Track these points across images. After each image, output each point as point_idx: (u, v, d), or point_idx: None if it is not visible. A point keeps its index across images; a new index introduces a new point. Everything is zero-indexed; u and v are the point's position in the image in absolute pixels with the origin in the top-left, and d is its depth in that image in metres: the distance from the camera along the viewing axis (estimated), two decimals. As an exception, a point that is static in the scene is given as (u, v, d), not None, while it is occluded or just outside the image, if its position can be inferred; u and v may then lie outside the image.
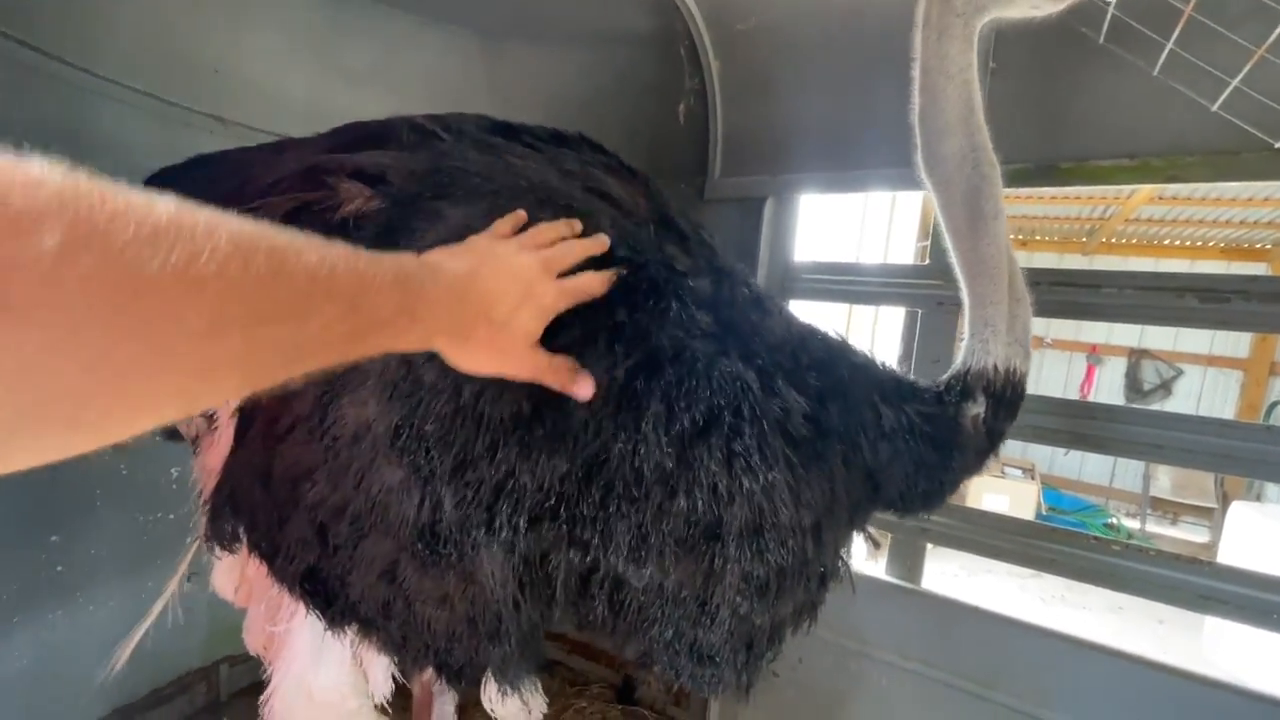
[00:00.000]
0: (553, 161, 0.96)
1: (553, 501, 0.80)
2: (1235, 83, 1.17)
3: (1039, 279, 1.55)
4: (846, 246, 4.40)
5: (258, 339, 0.44)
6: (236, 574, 1.07)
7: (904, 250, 4.97)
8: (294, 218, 0.88)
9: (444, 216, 0.84)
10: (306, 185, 0.91)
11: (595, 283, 0.81)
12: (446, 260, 0.70)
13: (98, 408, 0.36)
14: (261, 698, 1.02)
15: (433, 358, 0.73)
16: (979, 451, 1.06)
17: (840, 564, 1.01)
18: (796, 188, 1.87)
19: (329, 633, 0.91)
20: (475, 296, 0.69)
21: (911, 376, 1.10)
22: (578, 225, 0.85)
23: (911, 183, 1.78)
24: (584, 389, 0.78)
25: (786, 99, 1.86)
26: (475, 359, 0.72)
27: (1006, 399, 1.04)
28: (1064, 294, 1.54)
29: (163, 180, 1.27)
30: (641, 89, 2.06)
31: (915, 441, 1.00)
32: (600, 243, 0.84)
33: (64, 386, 0.34)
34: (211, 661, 2.08)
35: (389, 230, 0.84)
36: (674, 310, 0.86)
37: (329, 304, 0.49)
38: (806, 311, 1.83)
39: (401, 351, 0.69)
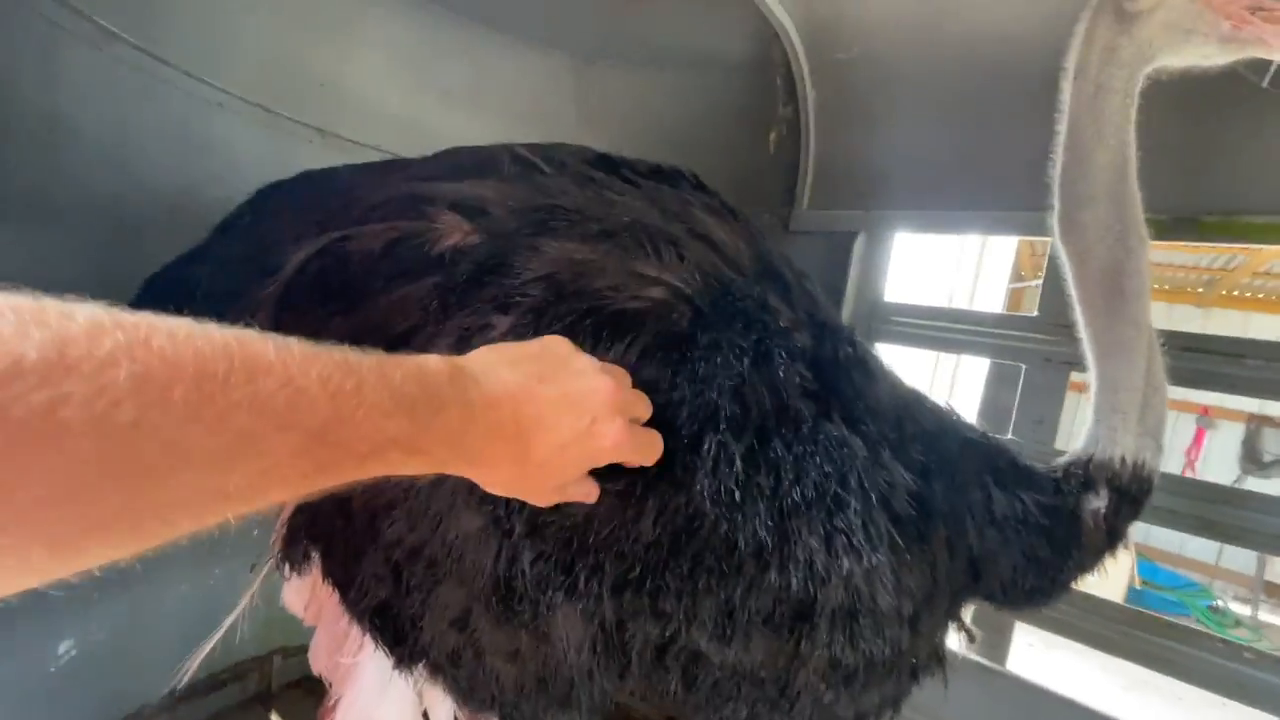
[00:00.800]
0: (653, 200, 0.93)
1: (637, 571, 0.75)
2: None
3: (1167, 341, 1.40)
4: (933, 288, 4.18)
5: (164, 494, 0.36)
6: (307, 593, 1.07)
7: (993, 294, 4.69)
8: (392, 248, 0.88)
9: (541, 252, 0.82)
10: (406, 213, 0.91)
11: (656, 446, 0.69)
12: (500, 365, 0.58)
13: None
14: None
15: None
16: (1096, 551, 0.96)
17: (933, 657, 0.93)
18: (889, 225, 1.76)
19: (396, 671, 0.89)
20: (514, 427, 0.56)
21: (1022, 451, 1.00)
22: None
23: (1011, 226, 1.69)
24: (590, 498, 0.69)
25: (883, 132, 1.77)
26: (495, 487, 0.62)
27: (1131, 495, 0.94)
28: (1194, 361, 1.36)
29: (272, 194, 1.32)
30: (732, 115, 2.01)
31: (1027, 533, 0.91)
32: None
33: None
34: (266, 652, 2.13)
35: (486, 267, 0.82)
36: (779, 370, 0.80)
37: (280, 438, 0.40)
38: (892, 356, 1.72)
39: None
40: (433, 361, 0.53)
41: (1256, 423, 6.85)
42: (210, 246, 1.22)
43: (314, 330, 0.87)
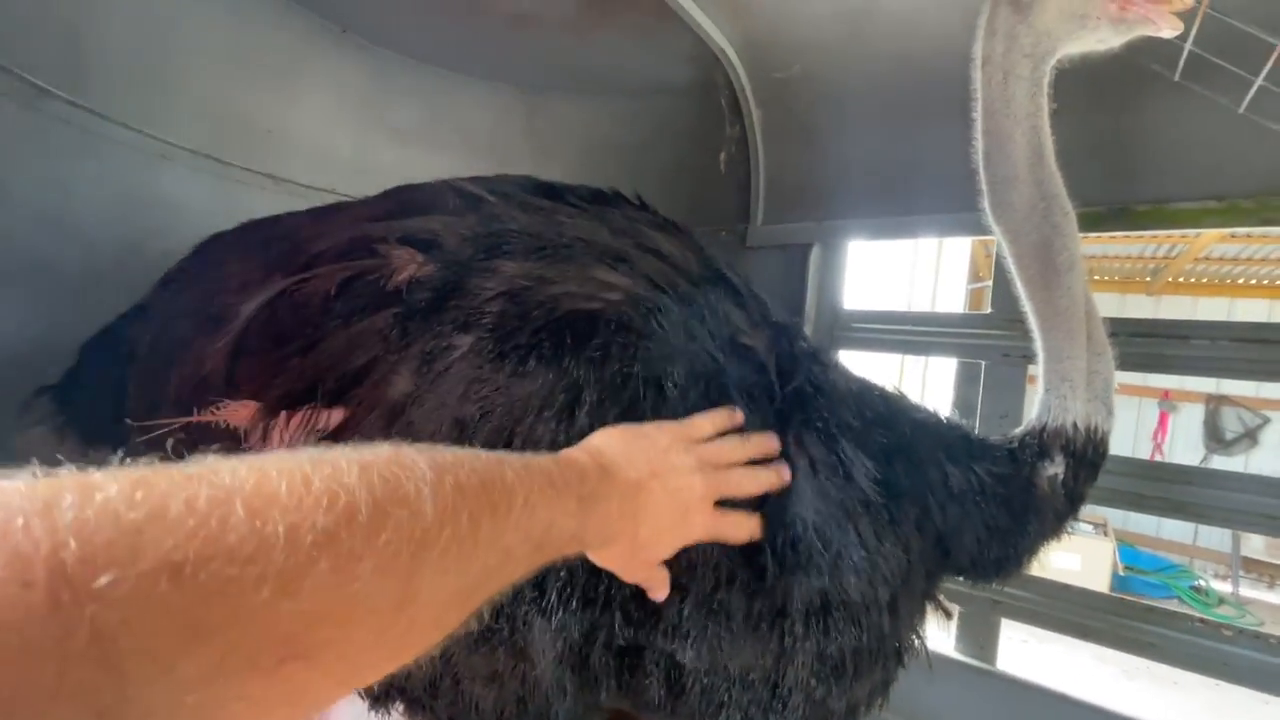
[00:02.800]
0: (601, 220, 0.95)
1: (605, 583, 0.76)
2: (1341, 116, 1.06)
3: (1116, 329, 1.44)
4: (894, 294, 4.27)
5: (466, 608, 0.43)
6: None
7: (953, 296, 4.80)
8: (347, 287, 0.89)
9: (498, 272, 0.83)
10: (356, 254, 0.92)
11: (746, 527, 0.77)
12: (620, 461, 0.65)
13: (336, 699, 0.37)
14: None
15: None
16: (1058, 515, 0.99)
17: (915, 639, 0.93)
18: (843, 234, 1.80)
19: (372, 714, 0.86)
20: (633, 513, 0.65)
21: (980, 433, 1.03)
22: (773, 445, 0.81)
23: (962, 228, 1.73)
24: (659, 598, 0.76)
25: (831, 144, 1.82)
26: (604, 560, 0.70)
27: (1087, 459, 0.97)
28: (1147, 345, 1.41)
29: (215, 244, 1.29)
30: (681, 137, 2.05)
31: (986, 503, 0.93)
32: (781, 478, 0.80)
33: (325, 698, 0.35)
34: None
35: (444, 292, 0.83)
36: (740, 375, 0.83)
37: (522, 547, 0.48)
38: (857, 362, 1.74)
39: None
40: (581, 458, 0.62)
41: (1215, 403, 7.07)
42: (151, 303, 1.19)
43: (270, 373, 0.86)
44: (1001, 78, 0.94)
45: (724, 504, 0.76)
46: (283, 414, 0.82)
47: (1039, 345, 1.00)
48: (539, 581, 0.75)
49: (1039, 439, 0.97)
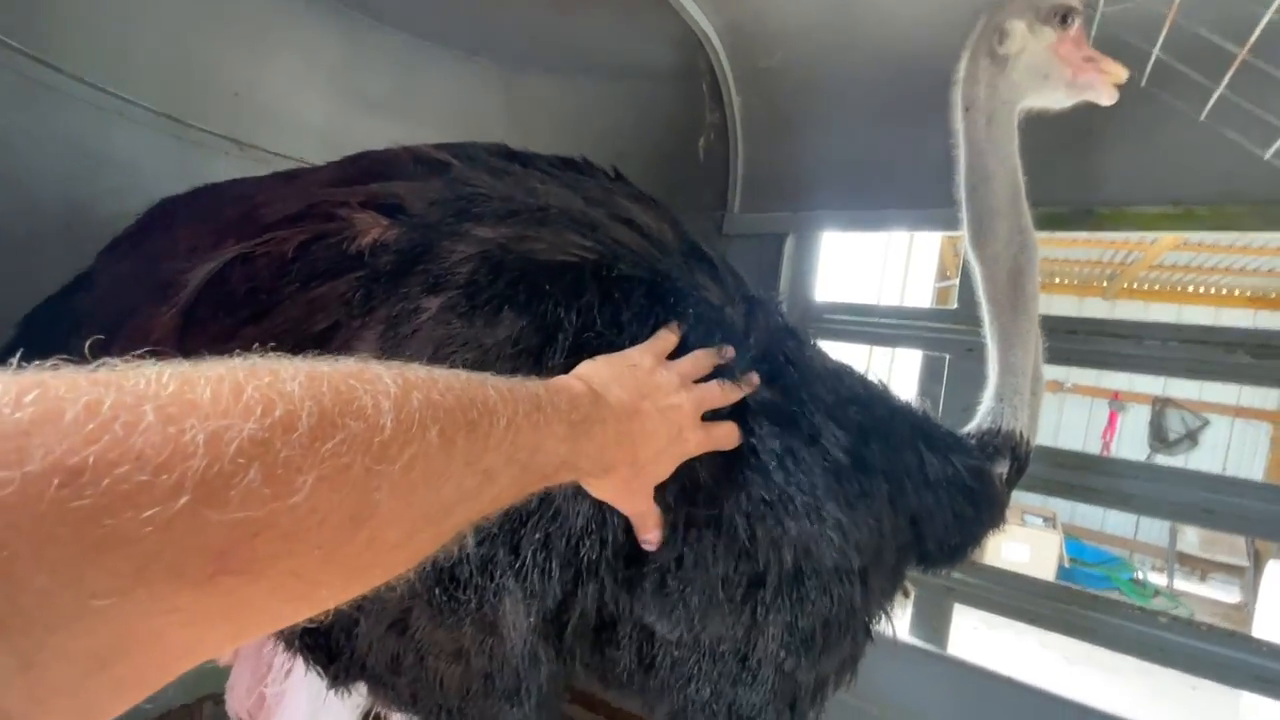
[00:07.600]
0: (574, 188, 0.93)
1: (587, 545, 0.75)
2: (1293, 129, 1.11)
3: (1076, 328, 1.50)
4: (863, 290, 4.34)
5: (440, 531, 0.41)
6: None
7: (921, 292, 4.90)
8: (304, 251, 0.85)
9: (468, 236, 0.81)
10: (314, 219, 0.88)
11: (733, 436, 0.78)
12: (612, 386, 0.65)
13: (291, 619, 0.35)
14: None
15: None
16: (1001, 509, 1.07)
17: (883, 614, 0.97)
18: (818, 225, 1.81)
19: (331, 692, 0.84)
20: (630, 438, 0.64)
21: (946, 426, 1.07)
22: (729, 353, 0.82)
23: (932, 223, 1.76)
24: (654, 541, 0.76)
25: (809, 136, 1.83)
26: (602, 491, 0.68)
27: (1023, 464, 1.07)
28: (1102, 344, 1.46)
29: (164, 208, 1.23)
30: (661, 122, 2.04)
31: (957, 494, 0.98)
32: (751, 384, 0.81)
33: (273, 616, 0.34)
34: (196, 699, 1.98)
35: (412, 256, 0.80)
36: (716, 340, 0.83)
37: (505, 471, 0.46)
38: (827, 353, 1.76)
39: None
40: (574, 384, 0.60)
41: (1161, 404, 7.41)
42: (95, 271, 1.14)
43: (222, 341, 0.83)
44: (985, 122, 1.03)
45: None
46: None
47: (995, 360, 1.08)
48: (514, 545, 0.74)
49: (995, 440, 1.04)
